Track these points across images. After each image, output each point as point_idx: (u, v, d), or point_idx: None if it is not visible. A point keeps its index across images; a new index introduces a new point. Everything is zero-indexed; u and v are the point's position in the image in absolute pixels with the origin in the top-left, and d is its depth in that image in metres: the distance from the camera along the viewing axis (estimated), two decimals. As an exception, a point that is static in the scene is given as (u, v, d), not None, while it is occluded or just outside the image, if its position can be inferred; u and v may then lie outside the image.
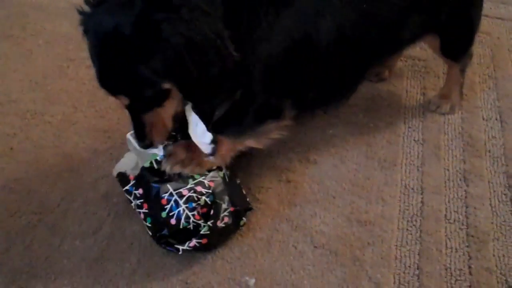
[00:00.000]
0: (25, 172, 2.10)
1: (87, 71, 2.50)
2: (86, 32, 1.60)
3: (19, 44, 2.73)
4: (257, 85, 1.78)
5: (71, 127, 2.28)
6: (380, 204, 2.00)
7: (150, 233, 1.79)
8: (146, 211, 1.77)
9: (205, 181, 1.77)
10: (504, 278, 1.78)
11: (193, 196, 1.72)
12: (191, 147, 1.83)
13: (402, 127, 2.33)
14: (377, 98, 2.47)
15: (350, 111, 2.39)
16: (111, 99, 1.65)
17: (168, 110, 1.68)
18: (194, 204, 1.71)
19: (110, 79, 1.58)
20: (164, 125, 1.72)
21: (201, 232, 1.73)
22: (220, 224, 1.77)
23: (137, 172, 1.82)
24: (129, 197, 1.85)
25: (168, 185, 1.74)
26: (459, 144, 2.25)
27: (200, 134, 1.81)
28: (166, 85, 1.56)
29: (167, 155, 1.80)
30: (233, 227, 1.84)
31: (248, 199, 1.92)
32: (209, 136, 1.81)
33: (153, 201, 1.75)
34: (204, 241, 1.74)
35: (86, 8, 1.58)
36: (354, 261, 1.81)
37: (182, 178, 1.77)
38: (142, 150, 1.79)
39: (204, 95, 1.69)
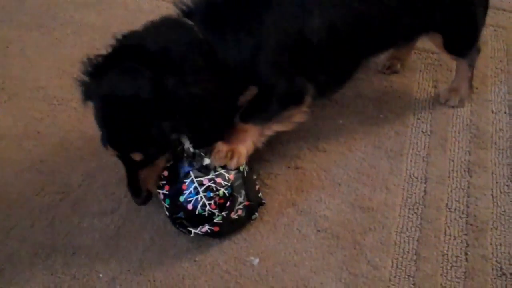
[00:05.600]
0: (50, 154, 2.24)
1: (111, 60, 2.62)
2: (88, 98, 1.81)
3: (49, 33, 2.88)
4: (272, 79, 1.94)
5: (95, 113, 2.41)
6: (384, 192, 2.08)
7: (167, 213, 1.90)
8: (167, 192, 1.87)
9: (226, 174, 1.86)
10: (499, 266, 1.85)
11: (212, 186, 1.82)
12: (229, 140, 1.93)
13: (411, 118, 2.40)
14: (389, 90, 2.54)
15: (361, 102, 2.47)
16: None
17: (163, 160, 1.87)
18: (212, 194, 1.81)
19: (125, 139, 1.76)
20: (157, 175, 1.89)
21: (214, 221, 1.83)
22: (233, 215, 1.87)
23: None
24: None
25: (191, 172, 1.84)
26: (466, 136, 2.31)
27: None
28: (174, 136, 1.80)
29: (212, 151, 1.88)
30: (245, 220, 1.94)
31: (260, 194, 2.01)
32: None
33: (176, 183, 1.85)
34: (216, 229, 1.85)
35: (85, 78, 1.80)
36: (354, 245, 1.91)
37: (204, 167, 1.86)
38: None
39: (210, 134, 1.89)
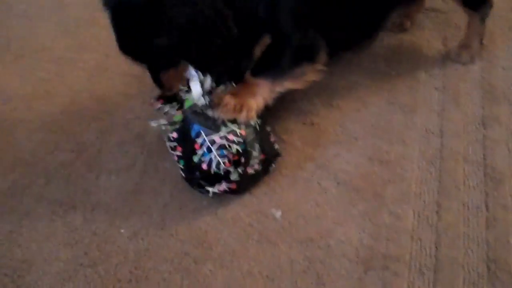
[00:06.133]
0: (62, 114, 2.21)
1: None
2: (105, 5, 1.75)
3: (52, -6, 2.84)
4: (288, 29, 1.91)
5: (103, 72, 2.38)
6: (401, 146, 2.08)
7: (183, 175, 1.88)
8: (180, 154, 1.85)
9: (237, 130, 1.81)
10: (520, 215, 1.86)
11: (225, 143, 1.78)
12: (238, 93, 1.89)
13: (422, 75, 2.39)
14: (399, 47, 2.54)
15: (372, 59, 2.46)
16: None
17: (180, 69, 1.86)
18: (225, 152, 1.78)
19: (128, 48, 1.77)
20: (178, 76, 1.88)
21: (231, 178, 1.81)
22: (250, 170, 1.85)
23: None
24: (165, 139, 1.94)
25: (201, 131, 1.81)
26: (478, 91, 2.31)
27: (196, 97, 1.89)
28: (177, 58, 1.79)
29: (218, 104, 1.84)
30: (262, 173, 1.93)
31: (276, 145, 1.99)
32: (204, 99, 1.89)
33: (188, 143, 1.82)
34: (233, 186, 1.83)
35: None
36: (375, 197, 1.90)
37: (214, 125, 1.82)
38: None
39: (207, 65, 1.85)
